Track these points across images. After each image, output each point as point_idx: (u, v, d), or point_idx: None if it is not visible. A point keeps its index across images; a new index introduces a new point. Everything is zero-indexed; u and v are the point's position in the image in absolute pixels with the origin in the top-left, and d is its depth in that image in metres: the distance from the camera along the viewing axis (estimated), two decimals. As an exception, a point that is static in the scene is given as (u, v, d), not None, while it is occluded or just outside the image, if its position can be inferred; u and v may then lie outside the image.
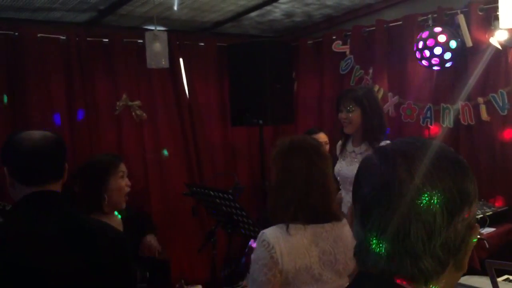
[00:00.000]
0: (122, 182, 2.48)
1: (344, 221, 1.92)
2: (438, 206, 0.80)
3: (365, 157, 0.91)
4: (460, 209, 0.82)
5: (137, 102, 4.14)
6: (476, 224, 0.86)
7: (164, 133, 4.31)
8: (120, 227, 2.52)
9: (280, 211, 1.83)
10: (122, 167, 2.53)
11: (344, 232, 1.90)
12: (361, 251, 0.88)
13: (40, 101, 3.69)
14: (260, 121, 4.14)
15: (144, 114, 4.17)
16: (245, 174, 4.77)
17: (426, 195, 0.80)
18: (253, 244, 4.56)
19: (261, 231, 1.81)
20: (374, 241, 0.83)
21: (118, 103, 4.05)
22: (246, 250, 4.53)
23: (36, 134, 1.59)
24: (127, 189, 2.50)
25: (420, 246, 0.80)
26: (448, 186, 0.81)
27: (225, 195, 2.81)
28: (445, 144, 0.90)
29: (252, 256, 1.80)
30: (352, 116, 2.94)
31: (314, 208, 1.83)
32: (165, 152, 4.27)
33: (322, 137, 4.06)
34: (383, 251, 0.83)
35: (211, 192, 2.88)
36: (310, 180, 1.82)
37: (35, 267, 1.42)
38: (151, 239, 3.04)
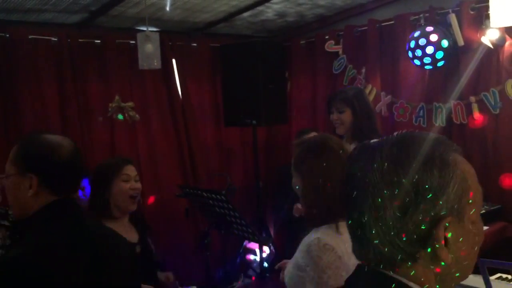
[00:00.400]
0: (125, 185, 2.42)
1: None
2: (388, 199, 0.83)
3: (354, 148, 0.96)
4: (416, 202, 0.83)
5: (130, 104, 4.12)
6: (448, 218, 0.84)
7: (157, 134, 4.30)
8: (133, 233, 2.49)
9: (323, 211, 1.78)
10: (127, 170, 2.47)
11: None
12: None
13: (32, 103, 3.67)
14: (254, 122, 4.14)
15: (137, 116, 4.15)
16: (239, 175, 4.76)
17: (377, 188, 0.84)
18: (248, 244, 4.56)
19: (314, 237, 1.75)
20: (352, 230, 0.91)
21: (110, 104, 4.02)
22: (241, 250, 4.54)
23: (66, 140, 1.54)
24: (131, 192, 2.43)
25: (375, 235, 0.85)
26: (400, 179, 0.83)
27: (218, 196, 2.80)
28: (430, 134, 0.90)
29: (317, 265, 1.70)
30: (343, 117, 2.95)
31: None
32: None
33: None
34: (353, 238, 0.92)
35: (204, 194, 2.88)
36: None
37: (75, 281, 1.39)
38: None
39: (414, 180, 0.83)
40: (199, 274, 3.90)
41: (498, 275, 2.50)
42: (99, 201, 2.39)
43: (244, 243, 4.50)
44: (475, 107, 3.59)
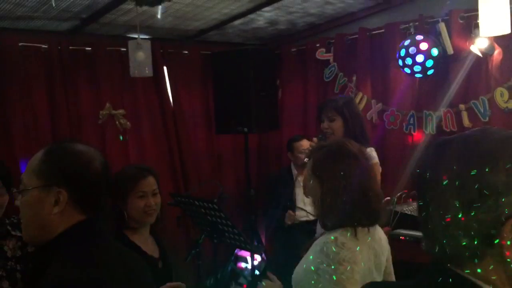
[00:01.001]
0: (140, 203, 2.29)
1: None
2: (454, 195, 0.83)
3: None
4: (481, 200, 0.82)
5: (121, 111, 4.11)
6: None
7: (148, 142, 4.29)
8: (155, 247, 2.41)
9: (342, 217, 1.77)
10: (143, 186, 2.32)
11: (383, 235, 1.93)
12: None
13: (22, 111, 3.64)
14: (245, 129, 4.14)
15: (128, 123, 4.14)
16: (231, 182, 4.76)
17: (443, 184, 0.84)
18: (239, 252, 4.55)
19: (330, 237, 1.74)
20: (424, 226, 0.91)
21: (101, 112, 4.02)
22: (232, 258, 4.52)
23: (97, 152, 1.38)
24: (146, 209, 2.30)
25: (439, 230, 0.86)
26: (466, 176, 0.83)
27: (210, 205, 2.79)
28: (506, 132, 0.89)
29: (333, 259, 1.69)
30: (334, 125, 2.97)
31: (375, 210, 1.82)
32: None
33: (305, 144, 4.07)
34: (424, 234, 0.92)
35: (196, 202, 2.86)
36: (365, 183, 1.80)
37: None
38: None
39: (481, 179, 0.82)
40: (190, 283, 3.88)
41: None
42: (115, 213, 2.30)
43: (236, 251, 4.49)
44: (464, 115, 3.62)
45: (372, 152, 2.88)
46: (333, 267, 1.67)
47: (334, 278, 1.65)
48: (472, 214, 0.83)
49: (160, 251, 2.42)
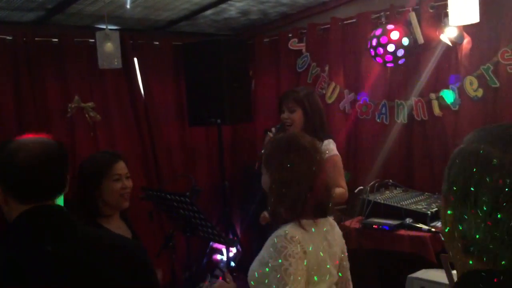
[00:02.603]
0: (116, 185, 2.31)
1: (331, 218, 1.95)
2: (482, 192, 0.78)
3: (469, 153, 0.87)
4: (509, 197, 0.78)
5: (90, 104, 4.02)
6: None
7: (119, 135, 4.21)
8: (126, 230, 2.41)
9: (287, 209, 1.79)
10: (118, 169, 2.33)
11: (336, 227, 1.94)
12: (476, 244, 0.83)
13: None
14: (218, 121, 4.11)
15: (98, 116, 4.06)
16: (205, 175, 4.72)
17: (475, 180, 0.79)
18: (214, 244, 4.53)
19: (282, 230, 1.74)
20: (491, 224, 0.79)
21: (70, 105, 3.92)
22: (208, 250, 4.50)
23: (34, 143, 1.39)
24: (123, 191, 2.32)
25: (469, 230, 0.79)
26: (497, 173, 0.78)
27: (182, 198, 2.76)
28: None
29: (280, 253, 1.69)
30: (294, 116, 2.97)
31: (321, 203, 1.83)
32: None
33: None
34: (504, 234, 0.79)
35: (168, 196, 2.83)
36: (314, 175, 1.81)
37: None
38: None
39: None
40: (165, 277, 3.84)
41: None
42: (88, 201, 2.28)
43: (211, 243, 4.47)
44: (435, 103, 3.66)
45: (329, 144, 2.89)
46: (277, 262, 1.68)
47: (279, 275, 1.67)
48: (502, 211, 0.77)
49: (132, 234, 2.43)
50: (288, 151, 1.82)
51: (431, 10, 3.61)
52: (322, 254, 1.77)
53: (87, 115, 4.01)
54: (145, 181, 4.28)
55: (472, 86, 3.48)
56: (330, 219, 1.94)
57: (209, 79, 4.12)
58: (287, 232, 1.72)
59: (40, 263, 1.30)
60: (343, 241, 1.97)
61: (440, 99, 3.64)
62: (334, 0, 4.20)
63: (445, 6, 3.30)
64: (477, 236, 0.79)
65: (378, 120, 3.96)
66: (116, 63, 3.35)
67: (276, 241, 1.72)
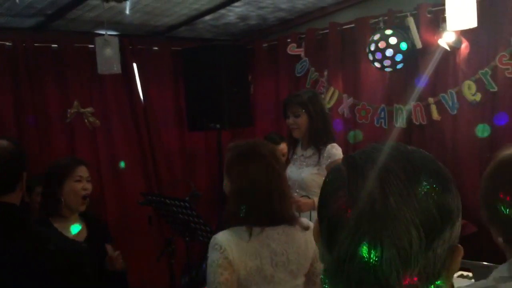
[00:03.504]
0: (77, 186, 2.46)
1: (297, 227, 1.92)
2: (415, 229, 0.67)
3: (333, 168, 0.78)
4: (441, 230, 0.69)
5: (90, 109, 4.03)
6: (459, 246, 0.73)
7: (119, 140, 4.21)
8: (83, 232, 2.51)
9: (239, 216, 1.83)
10: (80, 171, 2.51)
11: (296, 234, 1.92)
12: (327, 277, 0.74)
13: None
14: (218, 126, 4.11)
15: (98, 121, 4.07)
16: (204, 180, 4.72)
17: (401, 217, 0.67)
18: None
19: (213, 236, 1.83)
20: (341, 268, 0.70)
21: (69, 110, 3.93)
22: (207, 254, 4.49)
23: None
24: (83, 193, 2.47)
25: (394, 277, 0.67)
26: (426, 205, 0.68)
27: (181, 203, 2.76)
28: (422, 150, 0.77)
29: (208, 261, 1.81)
30: (299, 121, 2.97)
31: (274, 212, 1.85)
32: (122, 164, 4.17)
33: (283, 147, 4.04)
34: (352, 280, 0.70)
35: (167, 201, 2.83)
36: (270, 185, 1.84)
37: None
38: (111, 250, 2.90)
39: (440, 203, 0.69)
40: (164, 282, 3.85)
41: (460, 272, 2.55)
42: (50, 201, 2.43)
43: (210, 248, 4.46)
44: (433, 108, 3.67)
45: (332, 149, 2.89)
46: (209, 271, 1.77)
47: (211, 280, 1.76)
48: (431, 249, 0.69)
49: (88, 235, 2.52)
50: (246, 160, 1.87)
51: (429, 15, 3.63)
52: (255, 262, 1.80)
53: (86, 121, 4.02)
54: (144, 186, 4.28)
55: (470, 90, 3.49)
56: (293, 228, 1.89)
57: (208, 84, 4.13)
58: (215, 237, 1.80)
59: None
60: (310, 249, 1.92)
61: (439, 104, 3.65)
62: (333, 5, 4.22)
63: (443, 11, 3.32)
64: None
65: (377, 125, 3.97)
66: (115, 68, 3.36)
67: (210, 246, 1.81)
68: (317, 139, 2.93)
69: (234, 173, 1.88)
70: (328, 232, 0.72)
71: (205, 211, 4.38)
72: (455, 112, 3.58)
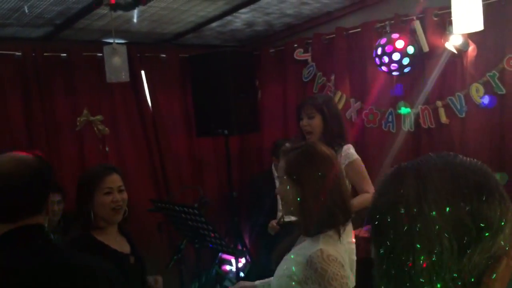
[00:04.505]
0: (106, 199, 2.27)
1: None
2: (446, 236, 0.71)
3: (385, 174, 0.85)
4: (477, 239, 0.71)
5: (99, 117, 4.06)
6: (503, 257, 0.74)
7: (128, 148, 4.24)
8: (125, 244, 2.37)
9: (321, 220, 1.75)
10: (110, 182, 2.30)
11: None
12: (375, 271, 0.81)
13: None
14: (226, 131, 4.13)
15: (107, 129, 4.10)
16: (213, 186, 4.74)
17: (433, 224, 0.72)
18: (223, 255, 4.53)
19: (316, 249, 1.69)
20: (384, 266, 0.77)
21: (79, 118, 3.97)
22: (217, 261, 4.51)
23: (6, 161, 1.35)
24: (113, 205, 2.28)
25: (426, 277, 0.72)
26: (460, 214, 0.72)
27: (190, 210, 2.77)
28: (473, 161, 0.81)
29: (322, 278, 1.65)
30: (313, 123, 2.97)
31: (347, 210, 1.82)
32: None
33: None
34: (391, 279, 0.76)
35: (176, 207, 2.84)
36: (339, 183, 1.80)
37: None
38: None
39: (477, 214, 0.72)
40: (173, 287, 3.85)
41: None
42: (83, 213, 2.27)
43: (220, 254, 4.47)
44: (441, 111, 3.66)
45: (350, 149, 2.88)
46: (334, 286, 1.64)
47: None
48: (465, 257, 0.71)
49: (131, 248, 2.39)
50: (314, 160, 1.80)
51: (435, 18, 3.63)
52: (347, 259, 1.79)
53: (95, 128, 4.05)
54: (153, 192, 4.30)
55: (478, 93, 3.48)
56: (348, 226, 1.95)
57: (216, 90, 4.16)
58: (322, 250, 1.68)
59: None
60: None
61: (447, 107, 3.64)
62: (339, 10, 4.23)
63: (450, 14, 3.30)
64: None
65: (384, 129, 3.97)
66: (123, 76, 3.38)
67: (313, 261, 1.66)
68: (332, 142, 2.92)
69: (303, 176, 1.78)
70: (374, 231, 0.80)
71: (214, 217, 4.39)
72: (464, 115, 3.57)
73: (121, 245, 2.34)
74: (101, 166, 2.45)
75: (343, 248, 1.77)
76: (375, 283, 0.81)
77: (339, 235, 1.74)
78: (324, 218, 1.75)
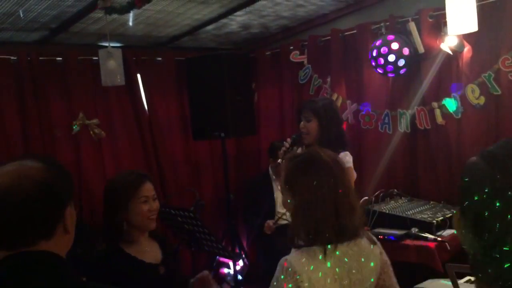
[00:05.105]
0: (143, 208, 2.17)
1: (365, 239, 1.77)
2: None
3: (469, 163, 0.86)
4: None
5: (95, 121, 4.05)
6: None
7: (124, 151, 4.23)
8: (157, 253, 2.25)
9: (309, 233, 1.67)
10: (145, 191, 2.20)
11: (367, 248, 1.78)
12: (477, 262, 0.82)
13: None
14: (222, 134, 4.13)
15: (103, 132, 4.09)
16: (210, 188, 4.73)
17: None
18: (221, 258, 4.52)
19: (283, 258, 1.65)
20: (493, 252, 0.77)
21: (74, 122, 3.96)
22: (214, 264, 4.50)
23: (4, 173, 1.12)
24: (149, 215, 2.18)
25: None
26: None
27: (186, 213, 2.77)
28: None
29: (274, 281, 1.63)
30: (309, 126, 2.97)
31: (344, 226, 1.68)
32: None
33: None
34: (505, 262, 0.76)
35: (172, 211, 2.84)
36: (338, 197, 1.69)
37: None
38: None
39: None
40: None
41: (467, 278, 2.53)
42: (114, 225, 2.15)
43: (217, 257, 4.46)
44: (437, 112, 3.66)
45: (346, 156, 2.88)
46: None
47: None
48: None
49: (163, 255, 2.27)
50: (311, 170, 1.71)
51: (430, 20, 3.63)
52: (335, 284, 1.65)
53: (91, 132, 4.04)
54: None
55: (474, 94, 3.49)
56: (362, 241, 1.77)
57: (212, 93, 4.15)
58: (287, 260, 1.63)
59: None
60: (380, 260, 1.81)
61: (443, 108, 3.64)
62: (334, 12, 4.23)
63: (445, 15, 3.31)
64: None
65: (381, 130, 3.97)
66: (119, 80, 3.38)
67: (277, 267, 1.64)
68: (329, 147, 2.91)
69: (297, 186, 1.71)
70: (475, 221, 0.80)
71: (210, 219, 4.39)
72: (459, 116, 3.57)
73: (152, 255, 2.23)
74: (133, 173, 2.30)
75: (324, 267, 1.63)
76: (474, 273, 0.82)
77: (325, 253, 1.63)
78: (310, 232, 1.67)
